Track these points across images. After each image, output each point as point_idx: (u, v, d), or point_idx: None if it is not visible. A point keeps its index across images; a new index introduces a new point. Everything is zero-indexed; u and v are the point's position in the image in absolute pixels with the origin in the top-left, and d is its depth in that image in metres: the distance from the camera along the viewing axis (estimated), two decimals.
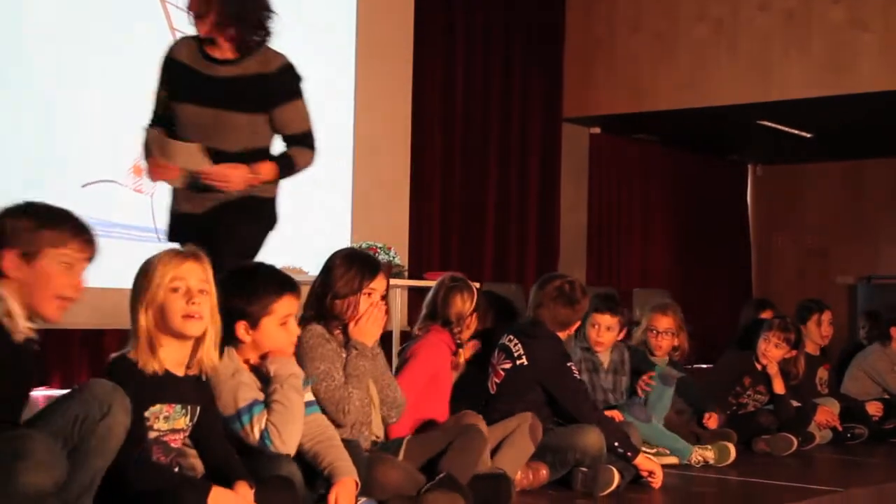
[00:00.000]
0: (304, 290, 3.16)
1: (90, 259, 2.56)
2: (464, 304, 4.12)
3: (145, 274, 2.65)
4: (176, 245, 2.99)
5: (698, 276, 11.49)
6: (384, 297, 3.45)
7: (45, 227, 2.49)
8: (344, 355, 3.32)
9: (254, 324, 2.94)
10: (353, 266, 3.41)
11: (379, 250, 6.87)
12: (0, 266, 2.46)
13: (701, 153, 11.76)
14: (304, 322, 3.31)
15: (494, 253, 9.43)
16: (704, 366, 8.23)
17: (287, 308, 2.97)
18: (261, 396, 2.90)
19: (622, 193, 10.93)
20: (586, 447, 3.92)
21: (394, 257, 6.93)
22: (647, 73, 9.69)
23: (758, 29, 9.12)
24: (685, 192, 11.59)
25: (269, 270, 3.07)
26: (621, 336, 4.97)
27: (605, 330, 4.78)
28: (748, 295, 11.66)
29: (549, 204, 9.98)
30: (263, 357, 2.96)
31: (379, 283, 3.42)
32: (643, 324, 5.36)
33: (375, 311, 3.37)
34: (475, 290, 4.20)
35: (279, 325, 2.95)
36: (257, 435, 2.84)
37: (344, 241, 7.38)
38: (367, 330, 3.36)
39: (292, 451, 2.86)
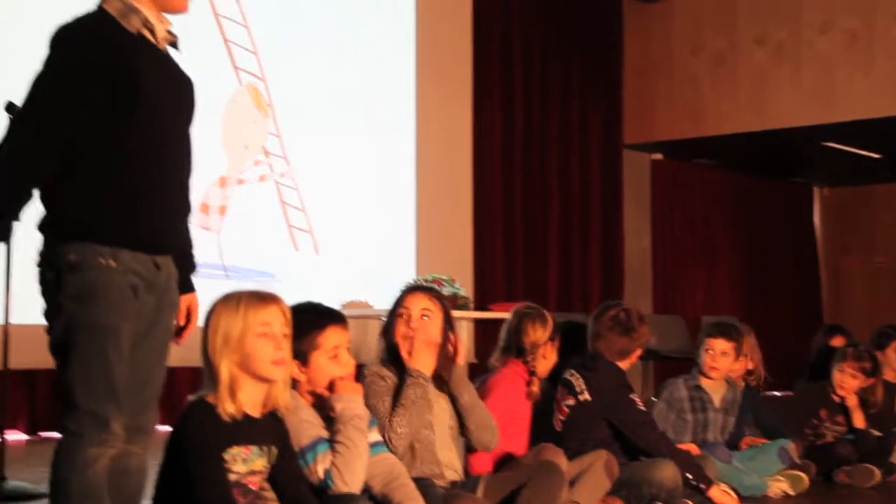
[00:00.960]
0: (372, 324, 3.14)
1: None
2: (536, 333, 4.07)
3: (229, 318, 2.62)
4: None
5: (766, 300, 11.33)
6: (448, 329, 3.43)
7: None
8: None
9: (304, 361, 2.91)
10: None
11: (444, 282, 6.84)
12: None
13: (765, 176, 11.63)
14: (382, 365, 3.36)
15: (559, 282, 9.37)
16: (777, 393, 8.08)
17: (334, 339, 2.92)
18: (325, 434, 2.88)
19: (686, 219, 10.83)
20: (661, 481, 3.84)
21: (459, 289, 6.90)
22: (707, 98, 9.61)
23: (820, 51, 9.02)
24: (750, 215, 11.45)
25: (310, 306, 3.04)
26: (738, 367, 4.89)
27: (720, 355, 4.71)
28: (818, 319, 11.47)
29: (612, 231, 9.92)
30: (329, 388, 2.93)
31: (411, 302, 3.40)
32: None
33: (419, 335, 3.35)
34: (549, 318, 4.15)
35: (329, 358, 2.91)
36: (321, 474, 2.81)
37: (409, 275, 7.38)
38: (419, 357, 3.34)
39: (356, 491, 2.83)
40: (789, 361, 9.14)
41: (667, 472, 3.86)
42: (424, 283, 6.59)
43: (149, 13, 2.51)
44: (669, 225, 10.65)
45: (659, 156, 10.56)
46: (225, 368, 2.58)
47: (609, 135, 9.97)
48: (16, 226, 4.58)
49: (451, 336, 3.42)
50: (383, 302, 6.92)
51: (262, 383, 2.65)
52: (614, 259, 9.92)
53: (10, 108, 4.63)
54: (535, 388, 4.09)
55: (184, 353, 5.90)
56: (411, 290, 3.50)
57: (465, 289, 7.34)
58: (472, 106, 8.61)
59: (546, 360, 4.07)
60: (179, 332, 2.68)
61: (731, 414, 4.83)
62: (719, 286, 11.10)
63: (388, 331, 3.41)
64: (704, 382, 4.76)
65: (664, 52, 9.91)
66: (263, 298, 2.66)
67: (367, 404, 3.16)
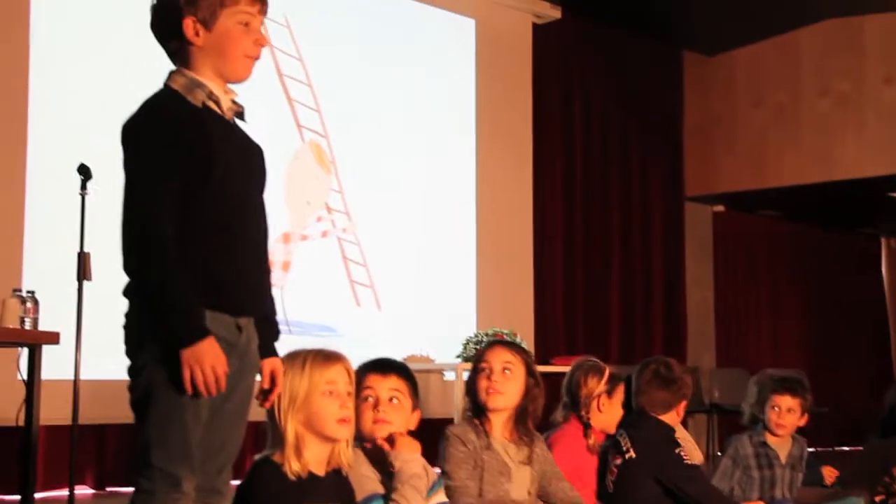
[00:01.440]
0: (433, 378, 3.15)
1: (264, 13, 2.59)
2: (590, 384, 4.06)
3: (294, 377, 2.63)
4: None
5: (834, 354, 11.14)
6: (533, 384, 3.44)
7: None
8: (485, 457, 3.29)
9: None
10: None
11: (505, 337, 6.85)
12: (186, 36, 2.51)
13: (830, 227, 11.50)
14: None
15: (621, 335, 9.32)
16: (846, 448, 7.93)
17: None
18: (380, 489, 2.88)
19: (749, 271, 10.73)
20: None
21: (520, 343, 6.90)
22: (769, 149, 9.57)
23: (884, 102, 8.96)
24: (815, 267, 11.32)
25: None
26: (803, 422, 4.83)
27: (787, 412, 4.64)
28: (889, 374, 11.25)
29: (674, 284, 9.86)
30: (390, 441, 2.93)
31: (492, 356, 3.43)
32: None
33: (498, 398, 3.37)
34: (606, 370, 4.14)
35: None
36: None
37: (469, 329, 7.39)
38: (496, 424, 3.38)
39: None
40: (860, 416, 9.01)
41: None
42: (505, 338, 6.62)
43: (213, 86, 2.55)
44: (732, 277, 10.56)
45: (721, 208, 10.50)
46: (291, 428, 2.60)
47: (670, 187, 9.95)
48: (86, 285, 4.71)
49: (537, 391, 3.43)
50: (444, 356, 6.97)
51: (327, 442, 2.67)
52: (677, 312, 9.85)
53: (82, 169, 4.76)
54: (592, 441, 4.06)
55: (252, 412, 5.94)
56: (492, 343, 3.49)
57: (527, 343, 7.34)
58: (532, 159, 8.64)
59: (604, 413, 4.03)
60: (265, 395, 2.67)
61: (797, 470, 4.74)
62: (785, 339, 10.96)
63: (470, 387, 3.42)
64: (770, 439, 4.69)
65: (725, 104, 9.89)
66: (328, 357, 2.68)
67: (444, 468, 3.17)
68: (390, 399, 2.95)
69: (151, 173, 2.44)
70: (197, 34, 2.52)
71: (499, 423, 3.39)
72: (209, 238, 2.48)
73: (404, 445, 2.91)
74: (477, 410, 3.37)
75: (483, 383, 3.37)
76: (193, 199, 2.46)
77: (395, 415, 2.95)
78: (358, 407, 2.85)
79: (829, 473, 5.09)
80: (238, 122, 2.65)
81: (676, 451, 4.02)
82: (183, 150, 2.45)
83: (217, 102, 2.56)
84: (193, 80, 2.54)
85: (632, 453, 3.99)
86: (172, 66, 2.59)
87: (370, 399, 2.92)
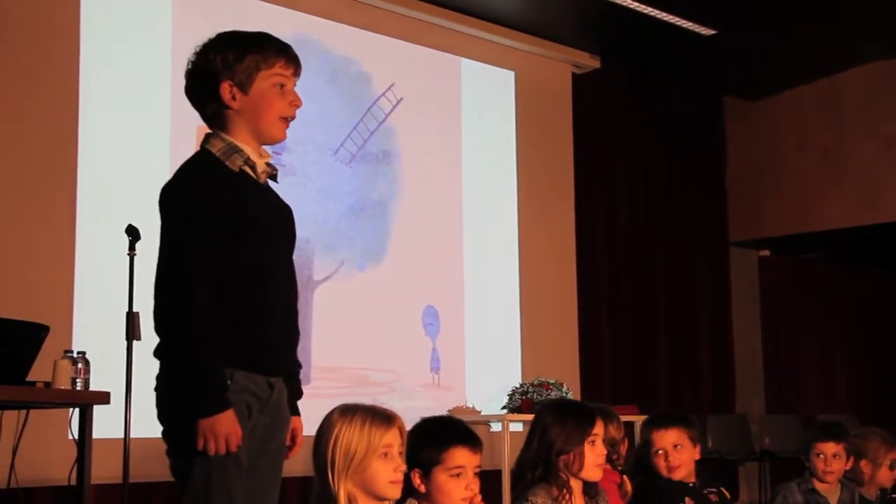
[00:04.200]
0: (479, 431, 3.13)
1: (298, 74, 2.65)
2: (616, 431, 4.06)
3: (352, 436, 2.62)
4: None
5: (886, 398, 10.96)
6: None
7: (250, 51, 2.57)
8: None
9: (426, 473, 2.90)
10: (568, 418, 3.41)
11: (552, 386, 6.83)
12: (223, 100, 2.54)
13: (878, 270, 11.37)
14: (528, 485, 3.33)
15: (668, 384, 9.24)
16: None
17: (458, 459, 2.87)
18: None
19: (797, 314, 10.61)
20: None
21: (567, 393, 6.88)
22: (814, 192, 9.50)
23: None
24: (865, 311, 11.17)
25: (448, 421, 3.07)
26: (849, 465, 4.76)
27: (833, 458, 4.59)
28: None
29: (721, 330, 9.78)
30: None
31: (599, 428, 3.42)
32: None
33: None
34: (618, 415, 4.16)
35: (450, 476, 2.86)
36: None
37: (515, 380, 7.36)
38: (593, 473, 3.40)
39: None
40: None
41: None
42: (552, 388, 6.61)
43: (250, 150, 2.59)
44: (780, 321, 10.45)
45: (767, 252, 10.43)
46: (343, 487, 2.60)
47: (715, 232, 9.90)
48: (135, 344, 4.76)
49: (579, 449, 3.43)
50: (490, 407, 6.95)
51: (375, 500, 2.67)
52: (725, 358, 9.75)
53: (130, 230, 4.84)
54: (628, 488, 4.04)
55: (292, 465, 5.97)
56: (594, 416, 3.50)
57: (573, 392, 7.30)
58: (574, 208, 8.65)
59: (622, 457, 4.05)
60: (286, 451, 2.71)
61: None
62: (835, 384, 10.80)
63: (575, 459, 3.38)
64: (819, 485, 4.63)
65: (768, 148, 9.85)
66: (388, 419, 2.68)
67: None
68: (475, 474, 2.95)
69: (188, 240, 2.48)
70: (234, 98, 2.56)
71: (578, 491, 3.39)
72: (244, 300, 2.52)
73: None
74: (557, 478, 3.35)
75: (593, 458, 3.39)
76: (229, 262, 2.49)
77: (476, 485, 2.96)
78: (443, 479, 2.86)
79: None
80: (270, 182, 2.69)
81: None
82: (220, 215, 2.49)
83: (252, 167, 2.59)
84: (231, 146, 2.57)
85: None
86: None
87: (461, 475, 2.89)
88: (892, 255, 10.93)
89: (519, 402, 6.71)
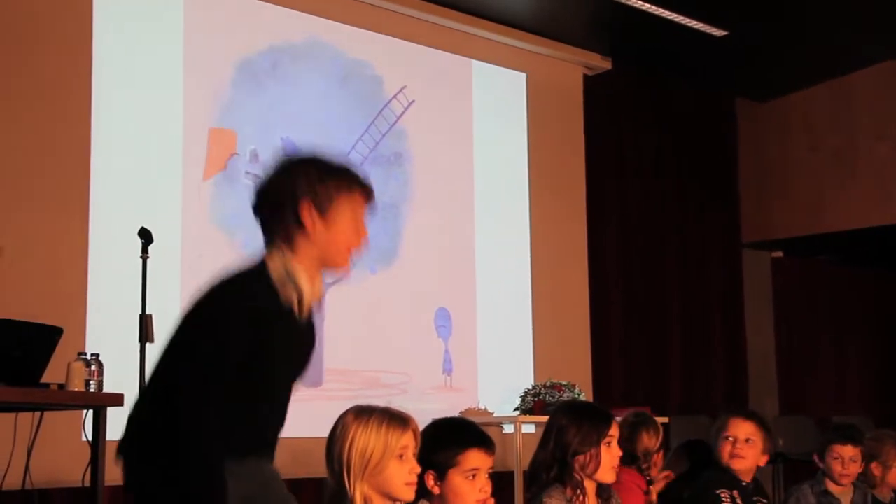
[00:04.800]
0: (492, 432, 3.13)
1: (372, 201, 2.56)
2: (650, 441, 4.05)
3: (369, 439, 2.63)
4: None
5: None
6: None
7: (333, 175, 2.48)
8: None
9: (441, 475, 2.92)
10: (584, 419, 3.41)
11: (564, 388, 6.83)
12: (302, 222, 2.43)
13: (891, 272, 11.33)
14: (543, 486, 3.33)
15: (681, 385, 9.23)
16: None
17: (473, 462, 2.91)
18: None
19: (810, 316, 10.59)
20: None
21: (579, 395, 6.88)
22: (826, 193, 9.48)
23: None
24: (880, 311, 11.14)
25: (462, 423, 3.09)
26: (861, 468, 4.76)
27: (850, 462, 4.60)
28: None
29: (734, 331, 9.76)
30: None
31: (615, 430, 3.42)
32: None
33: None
34: (660, 425, 4.13)
35: (465, 478, 2.90)
36: None
37: (527, 381, 7.36)
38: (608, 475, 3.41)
39: None
40: None
41: None
42: (564, 389, 6.60)
43: (304, 277, 2.45)
44: (794, 323, 10.43)
45: (779, 253, 10.41)
46: (359, 489, 2.61)
47: (727, 234, 9.89)
48: (148, 346, 4.78)
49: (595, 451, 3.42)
50: (502, 409, 6.95)
51: (390, 501, 2.69)
52: (738, 359, 9.74)
53: (143, 233, 4.86)
54: (654, 498, 4.05)
55: (305, 468, 6.01)
56: (611, 417, 3.51)
57: (586, 394, 7.30)
58: (586, 210, 8.65)
59: (656, 467, 4.04)
60: None
61: None
62: (849, 385, 10.77)
63: (590, 460, 3.38)
64: (832, 487, 4.62)
65: (780, 149, 9.84)
66: (404, 421, 2.69)
67: None
68: (488, 475, 2.97)
69: (213, 369, 2.37)
70: (313, 221, 2.46)
71: (591, 493, 3.39)
72: (241, 434, 2.42)
73: None
74: (572, 479, 3.35)
75: (608, 458, 3.41)
76: (232, 388, 2.38)
77: (489, 487, 2.97)
78: (457, 481, 2.89)
79: None
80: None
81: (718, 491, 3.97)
82: (251, 349, 2.39)
83: (300, 299, 2.46)
84: (290, 273, 2.44)
85: None
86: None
87: (475, 477, 2.92)
88: None
89: (531, 404, 6.71)
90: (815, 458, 4.68)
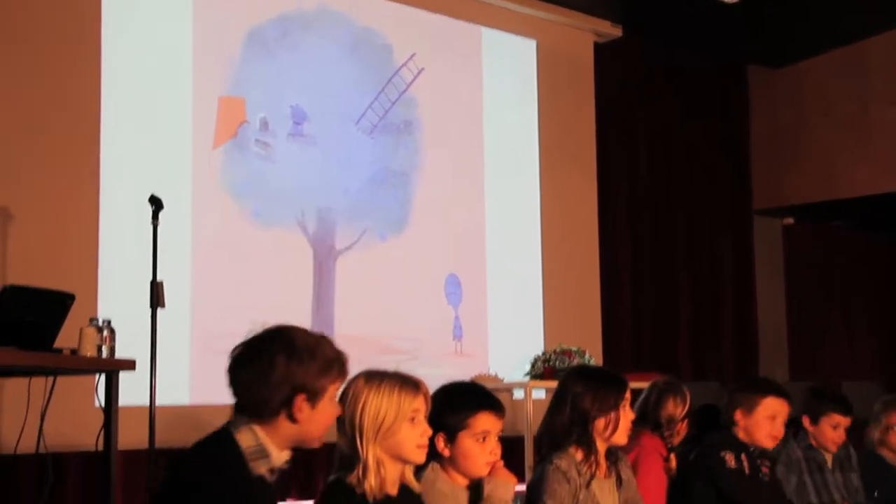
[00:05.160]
0: (502, 398, 3.15)
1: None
2: (676, 408, 4.06)
3: (381, 403, 2.65)
4: None
5: None
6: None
7: (325, 366, 2.45)
8: (581, 496, 3.29)
9: (451, 437, 2.95)
10: (601, 385, 3.42)
11: (574, 353, 6.84)
12: (293, 413, 2.40)
13: None
14: (553, 448, 3.36)
15: (690, 351, 9.24)
16: None
17: (484, 424, 2.95)
18: None
19: (821, 282, 10.57)
20: None
21: (589, 360, 6.89)
22: (839, 159, 9.44)
23: None
24: (892, 278, 11.11)
25: (471, 387, 3.11)
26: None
27: (843, 431, 4.66)
28: None
29: (744, 298, 9.76)
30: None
31: (628, 392, 3.44)
32: (882, 421, 5.09)
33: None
34: (688, 394, 4.13)
35: (475, 441, 2.94)
36: None
37: (537, 347, 7.38)
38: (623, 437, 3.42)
39: None
40: None
41: None
42: (574, 355, 6.62)
43: (276, 452, 2.42)
44: (804, 289, 10.42)
45: (790, 220, 10.38)
46: (372, 452, 2.64)
47: (739, 200, 9.86)
48: (159, 312, 4.81)
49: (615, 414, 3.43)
50: (512, 375, 6.98)
51: (401, 463, 2.71)
52: (748, 326, 9.74)
53: (153, 200, 4.88)
54: (673, 464, 4.06)
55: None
56: (625, 381, 3.50)
57: (595, 360, 7.32)
58: (596, 176, 8.64)
59: (679, 435, 4.05)
60: None
61: (848, 470, 4.70)
62: (860, 352, 10.76)
63: (608, 424, 3.39)
64: (816, 443, 4.66)
65: (792, 115, 9.79)
66: (416, 385, 2.72)
67: (538, 498, 3.19)
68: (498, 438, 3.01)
69: None
70: (302, 411, 2.41)
71: (601, 455, 3.41)
72: None
73: (502, 474, 2.97)
74: (587, 443, 3.36)
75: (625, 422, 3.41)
76: None
77: (499, 449, 3.01)
78: (468, 443, 2.92)
79: None
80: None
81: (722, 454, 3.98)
82: None
83: (272, 470, 2.44)
84: (262, 449, 2.41)
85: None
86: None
87: (486, 439, 2.95)
88: None
89: (541, 370, 6.73)
90: (806, 420, 4.69)
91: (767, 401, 4.07)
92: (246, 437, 2.39)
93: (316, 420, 2.43)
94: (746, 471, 3.97)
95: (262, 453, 2.40)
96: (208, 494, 2.31)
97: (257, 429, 2.39)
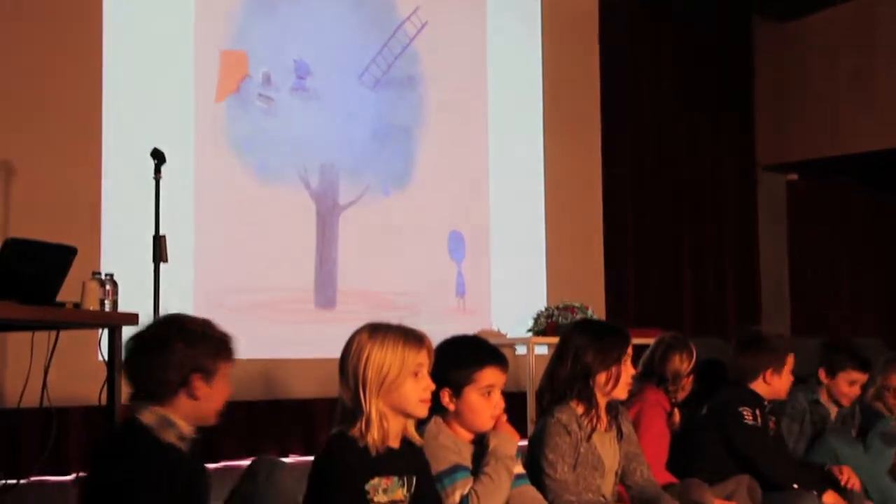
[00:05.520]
0: (506, 353, 3.16)
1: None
2: (682, 364, 4.07)
3: (385, 357, 2.66)
4: None
5: None
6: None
7: (218, 347, 2.61)
8: (581, 450, 3.29)
9: (457, 392, 2.97)
10: (604, 339, 3.42)
11: (577, 310, 6.85)
12: (193, 392, 2.56)
13: None
14: (555, 402, 3.36)
15: (693, 307, 9.25)
16: None
17: (490, 378, 2.97)
18: (462, 462, 2.94)
19: (824, 238, 10.56)
20: None
21: (591, 316, 6.90)
22: (845, 115, 9.40)
23: None
24: (894, 234, 11.09)
25: (476, 341, 3.12)
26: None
27: (859, 387, 4.68)
28: None
29: (747, 254, 9.75)
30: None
31: (630, 348, 3.43)
32: (877, 381, 5.10)
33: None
34: (694, 350, 4.13)
35: (481, 395, 2.97)
36: (457, 499, 2.86)
37: (540, 303, 7.39)
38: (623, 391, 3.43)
39: None
40: None
41: None
42: (577, 311, 6.61)
43: (181, 422, 2.58)
44: (807, 245, 10.40)
45: (794, 176, 10.35)
46: (375, 405, 2.65)
47: (743, 156, 9.83)
48: (162, 266, 4.80)
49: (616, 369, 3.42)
50: (515, 331, 6.99)
51: (404, 417, 2.72)
52: (750, 281, 9.75)
53: (156, 153, 4.86)
54: (676, 419, 4.07)
55: (319, 387, 6.06)
56: (627, 335, 3.50)
57: (598, 315, 7.33)
58: (600, 132, 8.60)
59: (684, 391, 4.05)
60: None
61: (849, 424, 4.72)
62: (863, 308, 10.77)
63: (610, 379, 3.39)
64: (824, 398, 4.67)
65: (798, 71, 9.73)
66: (419, 339, 2.73)
67: (547, 456, 3.19)
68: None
69: None
70: (200, 389, 2.58)
71: (602, 409, 3.40)
72: None
73: (507, 429, 2.99)
74: (587, 399, 3.36)
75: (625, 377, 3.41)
76: None
77: (503, 403, 3.06)
78: (473, 397, 2.95)
79: None
80: None
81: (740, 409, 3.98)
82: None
83: (184, 439, 2.59)
84: (165, 418, 2.57)
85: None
86: None
87: (490, 393, 2.98)
88: None
89: (544, 326, 6.74)
90: (822, 372, 4.70)
91: (791, 357, 4.10)
92: (148, 417, 2.55)
93: (214, 396, 2.60)
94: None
95: (167, 422, 2.55)
96: (133, 487, 2.44)
97: (158, 409, 2.56)
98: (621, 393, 3.39)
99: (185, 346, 2.55)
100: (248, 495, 2.62)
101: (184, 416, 2.57)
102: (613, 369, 3.36)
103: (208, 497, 2.66)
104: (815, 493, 3.81)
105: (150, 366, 2.56)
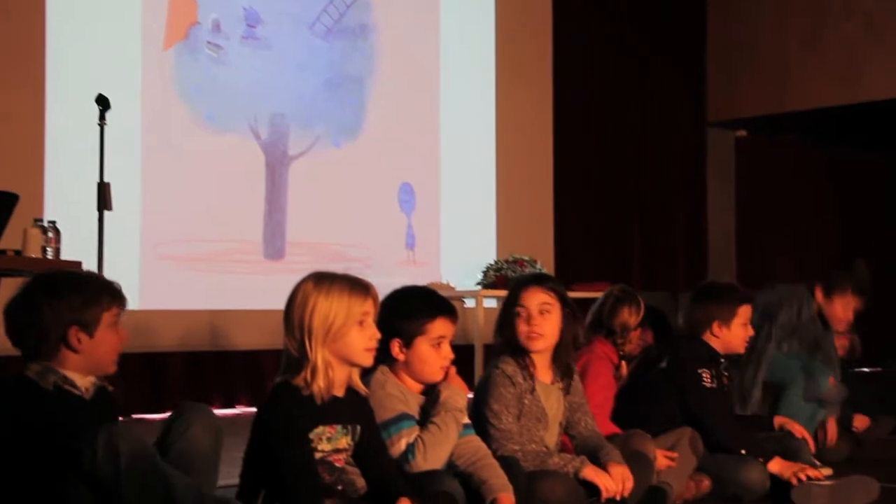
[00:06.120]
0: (455, 305, 3.15)
1: (124, 307, 2.69)
2: (630, 317, 4.07)
3: (331, 305, 2.64)
4: None
5: None
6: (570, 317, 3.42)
7: (93, 298, 2.60)
8: (525, 401, 3.29)
9: (407, 342, 2.97)
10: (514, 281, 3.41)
11: (526, 263, 6.87)
12: (70, 344, 2.56)
13: (857, 150, 11.36)
14: (498, 353, 3.34)
15: (641, 261, 9.32)
16: (867, 370, 7.94)
17: (440, 330, 2.97)
18: (407, 410, 2.95)
19: (772, 195, 10.65)
20: (748, 483, 3.78)
21: (540, 269, 6.92)
22: (794, 73, 9.46)
23: None
24: (842, 191, 11.19)
25: (427, 292, 3.11)
26: None
27: (852, 313, 4.84)
28: None
29: (695, 209, 9.83)
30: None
31: (528, 299, 3.34)
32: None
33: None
34: (642, 304, 4.15)
35: (431, 346, 2.97)
36: (403, 447, 2.88)
37: (490, 256, 7.40)
38: (541, 372, 3.39)
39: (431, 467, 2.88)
40: (888, 338, 9.01)
41: (754, 475, 3.79)
42: (539, 273, 6.60)
43: (72, 373, 2.59)
44: (755, 202, 10.49)
45: (743, 133, 10.42)
46: (321, 354, 2.63)
47: (692, 112, 9.87)
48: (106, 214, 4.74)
49: (576, 324, 3.37)
50: (464, 283, 7.00)
51: (349, 366, 2.71)
52: (698, 237, 9.83)
53: (100, 100, 4.77)
54: (624, 372, 4.10)
55: (266, 338, 6.02)
56: (526, 284, 3.38)
57: (547, 269, 7.35)
58: (552, 86, 8.59)
59: (632, 344, 4.07)
60: None
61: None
62: (809, 264, 10.89)
63: (506, 328, 3.34)
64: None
65: (748, 28, 9.76)
66: (366, 288, 2.70)
67: (492, 407, 3.19)
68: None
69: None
70: (80, 341, 2.57)
71: (543, 365, 3.37)
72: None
73: (458, 382, 3.00)
74: (516, 350, 3.34)
75: (523, 327, 3.30)
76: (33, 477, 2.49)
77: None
78: (424, 348, 2.96)
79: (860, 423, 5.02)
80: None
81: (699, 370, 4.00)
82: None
83: (73, 385, 2.59)
84: (46, 369, 2.57)
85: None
86: None
87: (441, 345, 2.98)
88: (872, 135, 10.93)
89: (493, 279, 6.75)
90: (819, 290, 4.68)
91: (743, 309, 4.07)
92: (32, 369, 2.57)
93: (99, 346, 2.60)
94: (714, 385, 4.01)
95: (47, 370, 2.56)
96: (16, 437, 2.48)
97: (46, 364, 2.57)
98: (534, 346, 3.33)
99: (53, 303, 2.55)
100: (168, 444, 2.60)
101: (74, 368, 2.58)
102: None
103: (92, 434, 2.55)
104: (761, 460, 3.83)
105: (22, 329, 2.57)
